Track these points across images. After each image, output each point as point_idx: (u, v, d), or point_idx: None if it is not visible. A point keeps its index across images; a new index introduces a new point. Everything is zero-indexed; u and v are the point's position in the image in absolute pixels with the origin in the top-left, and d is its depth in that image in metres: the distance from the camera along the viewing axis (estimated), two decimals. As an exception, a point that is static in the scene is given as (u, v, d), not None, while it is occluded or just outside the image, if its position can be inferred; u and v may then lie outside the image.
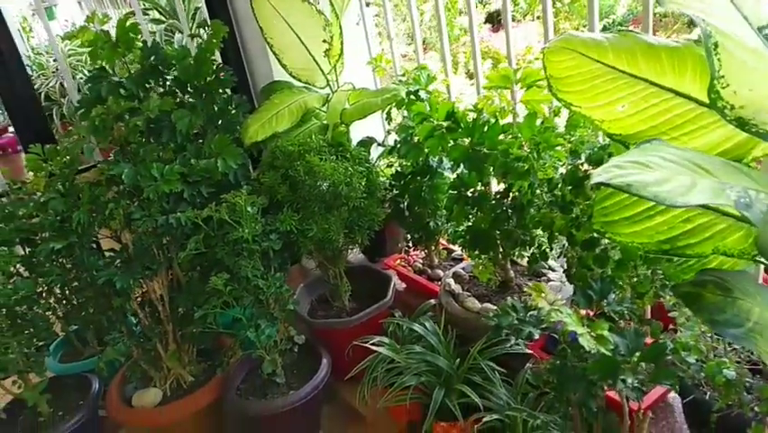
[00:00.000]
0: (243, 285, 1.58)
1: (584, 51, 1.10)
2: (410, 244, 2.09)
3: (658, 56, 1.04)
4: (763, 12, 0.97)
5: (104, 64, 1.73)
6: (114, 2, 6.15)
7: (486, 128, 1.46)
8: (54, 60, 4.78)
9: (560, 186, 1.20)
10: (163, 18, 3.75)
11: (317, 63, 1.99)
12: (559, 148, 1.28)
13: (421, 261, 2.14)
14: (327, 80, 2.00)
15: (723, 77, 0.89)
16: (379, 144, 2.14)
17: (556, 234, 1.23)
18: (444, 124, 1.53)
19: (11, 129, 7.29)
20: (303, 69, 2.00)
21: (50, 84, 4.46)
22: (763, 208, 0.73)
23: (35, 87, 4.59)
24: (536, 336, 1.17)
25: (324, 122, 2.00)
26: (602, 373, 1.01)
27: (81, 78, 4.41)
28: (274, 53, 1.98)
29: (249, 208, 1.56)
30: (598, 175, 0.71)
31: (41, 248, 1.61)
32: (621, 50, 1.07)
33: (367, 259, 2.34)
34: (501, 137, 1.43)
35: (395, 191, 1.92)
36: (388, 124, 1.95)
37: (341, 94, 1.94)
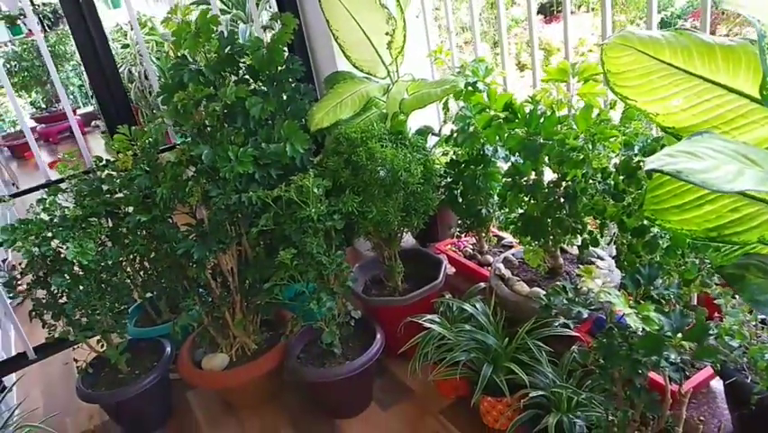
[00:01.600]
0: (308, 261, 1.70)
1: (642, 48, 1.16)
2: (461, 230, 2.17)
3: (713, 54, 1.10)
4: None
5: (185, 53, 1.88)
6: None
7: (542, 119, 1.53)
8: (123, 48, 5.04)
9: (613, 175, 1.27)
10: (227, 8, 3.92)
11: (379, 55, 2.09)
12: (613, 140, 1.35)
13: (471, 246, 2.23)
14: (388, 71, 2.10)
15: (777, 74, 0.95)
16: (434, 134, 2.24)
17: (607, 221, 1.30)
18: (502, 114, 1.61)
19: (79, 111, 7.73)
20: (366, 60, 2.10)
21: (121, 69, 4.70)
22: (805, 197, 0.80)
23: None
24: (585, 316, 1.25)
25: (384, 111, 2.10)
26: (648, 349, 1.08)
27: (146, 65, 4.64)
28: (339, 45, 2.09)
29: (315, 190, 1.68)
30: (651, 162, 0.79)
31: (129, 219, 1.78)
32: (677, 48, 1.13)
33: (419, 244, 2.44)
34: (557, 128, 1.50)
35: (449, 178, 2.02)
36: (445, 114, 2.04)
37: (401, 84, 2.03)
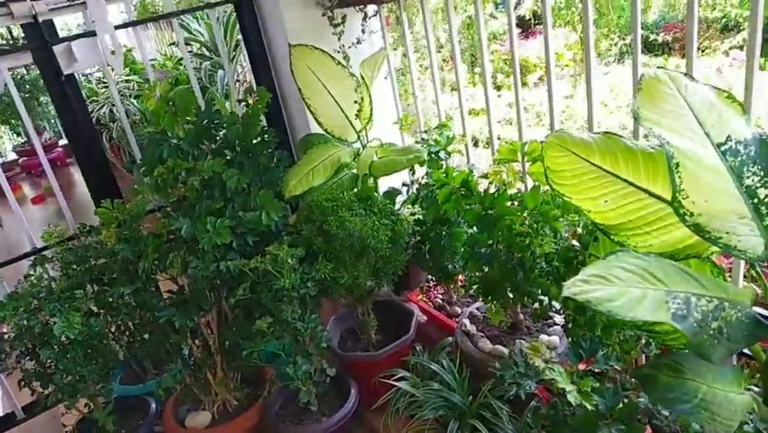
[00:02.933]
0: (284, 327, 1.82)
1: (575, 150, 1.29)
2: (430, 283, 2.30)
3: (636, 159, 1.24)
4: (722, 129, 1.16)
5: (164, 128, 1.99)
6: (157, 25, 6.50)
7: (496, 196, 1.66)
8: (105, 88, 5.12)
9: (555, 259, 1.40)
10: (206, 53, 4.03)
11: (349, 120, 2.21)
12: (559, 220, 1.48)
13: (441, 296, 2.36)
14: (358, 135, 2.23)
15: (683, 190, 1.09)
16: (405, 185, 2.36)
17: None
18: (461, 190, 1.74)
19: (61, 142, 7.77)
20: (337, 126, 2.23)
21: (102, 110, 4.79)
22: (700, 315, 0.93)
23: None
24: (533, 388, 1.38)
25: (355, 171, 2.22)
26: (584, 426, 1.21)
27: (128, 104, 4.74)
28: (311, 112, 2.21)
29: (289, 260, 1.80)
30: (567, 288, 0.92)
31: (113, 292, 1.88)
32: (606, 152, 1.27)
33: (392, 292, 2.56)
34: (509, 204, 1.64)
35: (417, 237, 2.14)
36: (412, 175, 2.17)
37: (369, 150, 2.16)
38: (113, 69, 2.17)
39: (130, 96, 4.80)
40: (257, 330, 1.79)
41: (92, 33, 2.05)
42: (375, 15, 2.09)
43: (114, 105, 4.78)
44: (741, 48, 8.30)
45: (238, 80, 3.57)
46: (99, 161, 2.28)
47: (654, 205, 1.21)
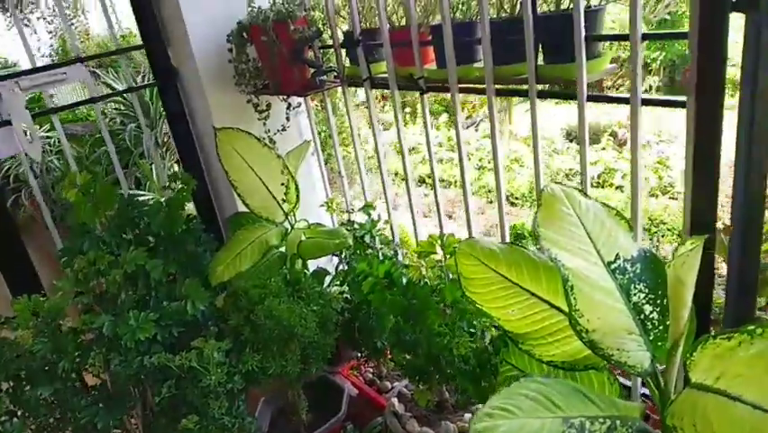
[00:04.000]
0: (211, 423, 1.80)
1: (484, 260, 1.38)
2: (360, 358, 2.34)
3: (538, 272, 1.34)
4: (611, 247, 1.28)
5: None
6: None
7: (418, 287, 1.74)
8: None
9: (471, 361, 1.48)
10: (132, 113, 3.97)
11: (277, 201, 2.25)
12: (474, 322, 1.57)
13: (372, 370, 2.40)
14: (286, 216, 2.26)
15: (578, 309, 1.18)
16: (336, 255, 2.41)
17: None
18: (384, 281, 1.80)
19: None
20: (264, 206, 2.25)
21: (21, 169, 4.60)
22: (594, 439, 1.02)
23: (5, 169, 4.75)
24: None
25: (283, 249, 2.25)
26: None
27: (49, 160, 4.59)
28: (238, 194, 2.23)
29: (215, 354, 1.79)
30: (474, 424, 0.99)
31: (30, 394, 1.81)
32: (512, 263, 1.36)
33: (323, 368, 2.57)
34: (432, 297, 1.71)
35: (347, 314, 2.18)
36: (339, 257, 2.22)
37: (297, 231, 2.20)
38: (30, 159, 2.12)
39: (51, 151, 4.64)
40: (183, 429, 1.77)
41: (7, 123, 2.00)
42: (299, 106, 2.15)
43: (34, 162, 4.62)
44: (651, 89, 8.88)
45: (168, 147, 3.54)
46: (18, 253, 2.21)
47: (556, 316, 1.31)
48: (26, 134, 2.04)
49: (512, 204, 6.76)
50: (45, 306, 1.89)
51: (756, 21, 1.07)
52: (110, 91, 4.76)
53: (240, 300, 1.98)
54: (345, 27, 2.16)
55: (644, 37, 1.28)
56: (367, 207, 2.20)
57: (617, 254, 1.26)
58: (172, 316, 1.91)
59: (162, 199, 2.09)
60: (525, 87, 1.48)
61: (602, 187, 6.72)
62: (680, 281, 1.09)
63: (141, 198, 2.10)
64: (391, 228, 2.22)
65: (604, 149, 7.33)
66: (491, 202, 6.70)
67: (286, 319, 1.88)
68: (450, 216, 6.53)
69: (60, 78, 2.01)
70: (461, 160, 1.83)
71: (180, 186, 2.05)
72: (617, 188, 6.64)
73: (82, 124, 4.87)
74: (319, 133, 2.37)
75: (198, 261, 2.07)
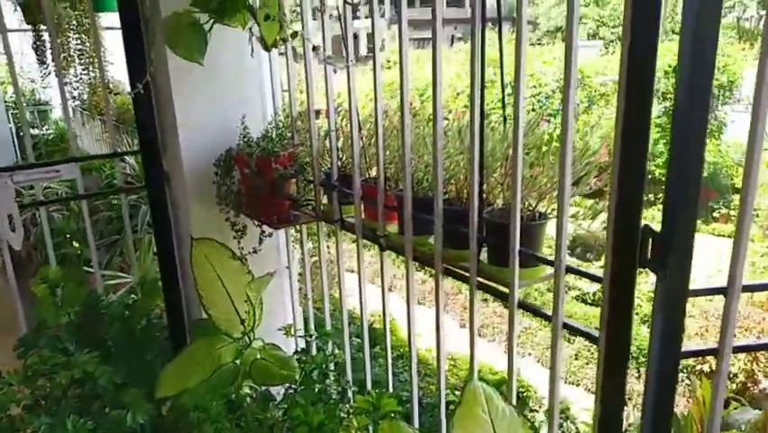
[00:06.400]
0: None
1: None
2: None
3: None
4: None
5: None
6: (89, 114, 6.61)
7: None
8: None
9: None
10: (133, 182, 4.13)
11: (239, 315, 2.31)
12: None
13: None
14: (244, 333, 2.31)
15: None
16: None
17: None
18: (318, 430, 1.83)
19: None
20: (225, 319, 2.31)
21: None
22: None
23: None
24: None
25: (236, 365, 2.29)
26: None
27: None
28: (202, 304, 2.29)
29: (143, 477, 1.81)
30: None
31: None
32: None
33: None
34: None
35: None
36: (290, 380, 2.25)
37: (252, 351, 2.24)
38: (12, 246, 2.22)
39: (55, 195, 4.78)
40: None
41: (-6, 212, 2.12)
42: (270, 236, 2.24)
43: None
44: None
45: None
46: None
47: None
48: (10, 223, 2.15)
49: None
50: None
51: (664, 281, 1.15)
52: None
53: (179, 421, 2.01)
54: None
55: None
56: (325, 334, 2.25)
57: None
58: (111, 426, 1.94)
59: (129, 300, 2.17)
60: (467, 274, 1.56)
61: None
62: None
63: (106, 301, 2.16)
64: (345, 366, 2.26)
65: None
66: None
67: (220, 448, 1.90)
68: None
69: (53, 175, 2.14)
70: (409, 335, 1.89)
71: (142, 295, 2.12)
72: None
73: (91, 178, 5.03)
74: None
75: (152, 369, 2.11)
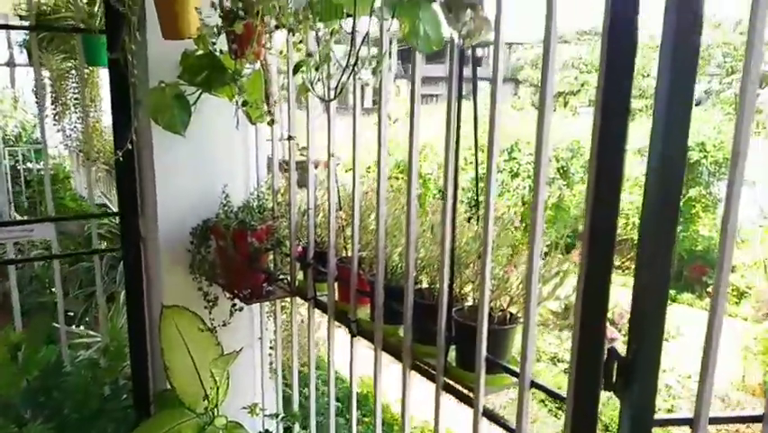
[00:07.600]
0: None
1: None
2: None
3: None
4: None
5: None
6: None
7: None
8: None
9: None
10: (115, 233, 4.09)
11: (204, 389, 2.23)
12: None
13: None
14: (207, 409, 2.23)
15: None
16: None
17: None
18: None
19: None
20: (189, 392, 2.23)
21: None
22: None
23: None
24: None
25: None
26: None
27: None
28: (167, 374, 2.22)
29: None
30: None
31: None
32: None
33: None
34: None
35: None
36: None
37: (214, 429, 2.16)
38: None
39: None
40: None
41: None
42: (241, 310, 2.19)
43: None
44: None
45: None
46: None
47: None
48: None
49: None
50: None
51: (628, 408, 1.10)
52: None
53: (131, 500, 1.91)
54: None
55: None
56: (293, 417, 2.17)
57: None
58: (57, 503, 1.85)
59: (97, 360, 2.10)
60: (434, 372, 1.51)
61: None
62: None
63: (68, 366, 2.10)
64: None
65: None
66: None
67: None
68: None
69: (27, 234, 2.10)
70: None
71: (108, 359, 2.06)
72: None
73: (78, 224, 4.98)
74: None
75: (107, 443, 2.03)
